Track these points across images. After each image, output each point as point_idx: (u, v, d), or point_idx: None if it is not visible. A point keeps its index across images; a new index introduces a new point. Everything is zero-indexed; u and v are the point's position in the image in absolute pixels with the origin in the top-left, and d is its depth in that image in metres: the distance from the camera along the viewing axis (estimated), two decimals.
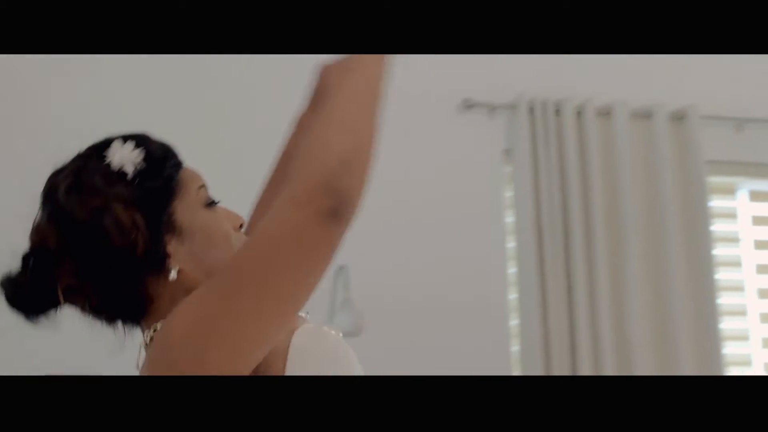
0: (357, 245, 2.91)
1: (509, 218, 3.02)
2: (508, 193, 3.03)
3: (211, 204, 1.18)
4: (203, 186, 1.19)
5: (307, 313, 1.21)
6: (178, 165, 1.17)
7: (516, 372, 2.90)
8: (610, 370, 2.82)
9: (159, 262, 1.11)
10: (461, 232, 2.96)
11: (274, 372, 1.06)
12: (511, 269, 2.98)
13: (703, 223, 2.99)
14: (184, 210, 1.14)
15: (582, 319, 2.86)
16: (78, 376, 0.46)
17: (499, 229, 3.01)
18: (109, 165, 1.12)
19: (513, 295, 2.96)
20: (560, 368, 2.83)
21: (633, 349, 2.87)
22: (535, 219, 2.94)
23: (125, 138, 1.15)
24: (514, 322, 2.94)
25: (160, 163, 1.14)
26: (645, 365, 2.87)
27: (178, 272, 1.12)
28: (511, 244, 3.00)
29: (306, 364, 1.09)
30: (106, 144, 1.15)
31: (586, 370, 2.81)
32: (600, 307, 2.88)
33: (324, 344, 1.14)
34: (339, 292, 2.65)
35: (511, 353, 2.93)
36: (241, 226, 1.21)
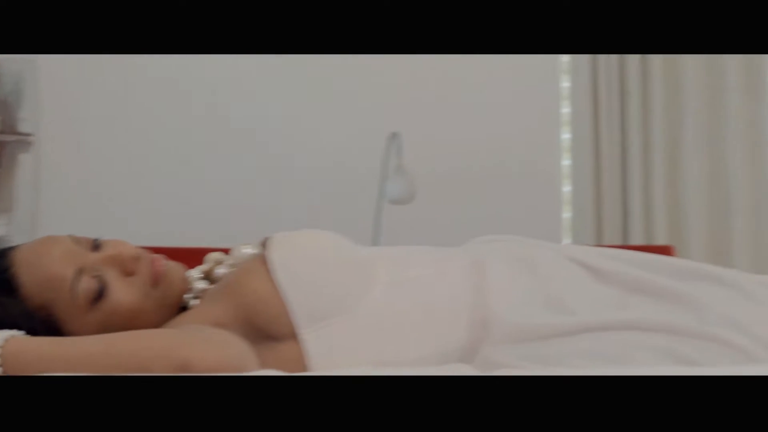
0: (410, 112, 2.89)
1: (564, 83, 2.96)
2: (565, 58, 2.96)
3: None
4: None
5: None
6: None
7: (566, 239, 2.90)
8: (662, 239, 2.81)
9: None
10: (514, 98, 2.92)
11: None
12: (565, 135, 2.96)
13: (765, 88, 2.91)
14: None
15: (635, 185, 2.85)
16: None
17: (553, 95, 2.96)
18: None
19: (566, 161, 2.95)
20: (612, 236, 2.83)
21: (686, 218, 2.85)
22: (591, 84, 2.88)
23: None
24: (566, 188, 2.94)
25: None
26: (698, 237, 2.84)
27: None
28: (565, 109, 2.96)
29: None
30: None
31: (637, 239, 2.81)
32: (654, 174, 2.86)
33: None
34: (391, 159, 2.65)
35: (562, 220, 2.93)
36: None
